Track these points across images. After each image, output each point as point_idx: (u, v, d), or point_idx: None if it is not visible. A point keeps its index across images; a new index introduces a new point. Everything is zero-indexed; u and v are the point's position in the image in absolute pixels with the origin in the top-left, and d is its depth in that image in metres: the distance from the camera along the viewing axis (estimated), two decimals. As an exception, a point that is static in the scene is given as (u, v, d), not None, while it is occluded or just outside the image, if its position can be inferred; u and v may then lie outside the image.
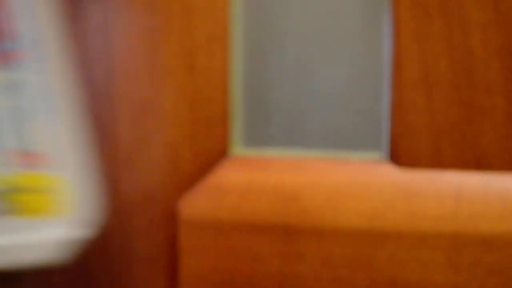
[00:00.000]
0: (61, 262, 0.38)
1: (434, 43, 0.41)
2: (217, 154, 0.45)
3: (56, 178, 0.35)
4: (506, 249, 0.39)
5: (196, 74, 0.45)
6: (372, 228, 0.41)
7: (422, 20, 0.40)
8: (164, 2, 0.44)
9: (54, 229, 0.35)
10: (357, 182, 0.42)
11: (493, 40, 0.40)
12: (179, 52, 0.45)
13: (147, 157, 0.44)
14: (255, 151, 0.46)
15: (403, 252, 0.40)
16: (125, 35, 0.45)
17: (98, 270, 0.46)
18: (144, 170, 0.44)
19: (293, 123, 0.47)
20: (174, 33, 0.44)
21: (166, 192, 0.44)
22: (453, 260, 0.40)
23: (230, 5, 0.44)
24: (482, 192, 0.40)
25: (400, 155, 0.41)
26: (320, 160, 0.43)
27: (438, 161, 0.41)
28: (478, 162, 0.41)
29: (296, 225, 0.42)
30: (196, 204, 0.44)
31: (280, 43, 0.47)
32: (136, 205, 0.45)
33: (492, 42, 0.40)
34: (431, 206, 0.40)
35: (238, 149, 0.46)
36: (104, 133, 0.45)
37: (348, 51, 0.46)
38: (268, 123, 0.47)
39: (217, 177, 0.44)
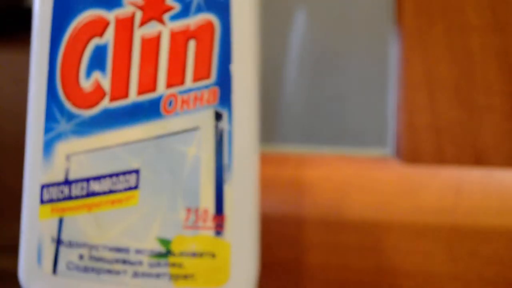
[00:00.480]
0: None
1: (436, 47, 0.42)
2: None
3: (228, 245, 0.31)
4: (502, 241, 0.41)
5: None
6: (378, 220, 0.43)
7: (424, 25, 0.42)
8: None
9: None
10: (364, 177, 0.44)
11: (491, 43, 0.42)
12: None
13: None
14: (269, 148, 0.47)
15: (406, 242, 0.42)
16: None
17: None
18: None
19: (306, 121, 0.49)
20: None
21: None
22: (453, 250, 0.41)
23: None
24: (481, 186, 0.42)
25: (404, 152, 0.43)
26: (330, 156, 0.45)
27: (440, 157, 0.43)
28: (477, 158, 0.42)
29: (307, 216, 0.44)
30: None
31: (293, 45, 0.49)
32: None
33: (490, 45, 0.42)
34: (432, 200, 0.42)
35: None
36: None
37: (356, 54, 0.48)
38: (282, 121, 0.49)
39: None
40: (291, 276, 0.46)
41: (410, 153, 0.43)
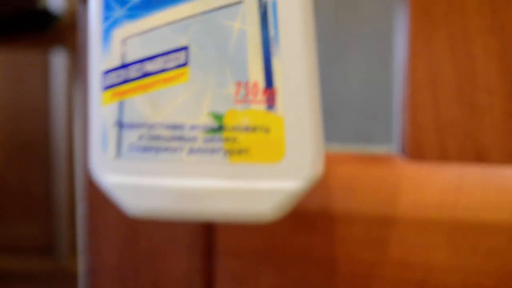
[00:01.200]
0: (279, 216, 0.35)
1: (439, 49, 0.44)
2: None
3: (281, 119, 0.31)
4: (502, 235, 0.42)
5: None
6: (383, 214, 0.44)
7: (428, 28, 0.44)
8: None
9: (275, 178, 0.32)
10: (371, 173, 0.45)
11: (492, 45, 0.43)
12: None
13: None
14: None
15: (410, 236, 0.43)
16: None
17: (143, 245, 0.49)
18: None
19: None
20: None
21: None
22: (454, 244, 0.43)
23: None
24: (481, 183, 0.43)
25: (409, 149, 0.44)
26: (339, 154, 0.47)
27: (443, 154, 0.44)
28: (478, 155, 0.44)
29: (315, 210, 0.45)
30: None
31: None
32: None
33: (491, 48, 0.43)
34: (434, 195, 0.43)
35: None
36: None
37: (364, 56, 0.50)
38: None
39: None
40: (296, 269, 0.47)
41: (414, 150, 0.44)
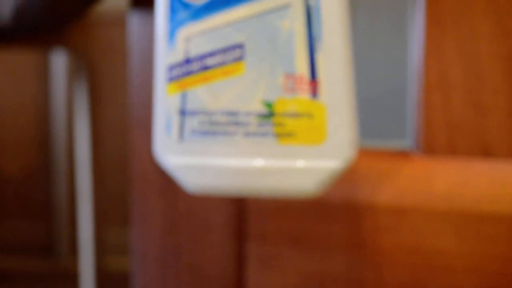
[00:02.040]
0: (319, 193, 0.38)
1: (449, 53, 0.47)
2: None
3: (323, 106, 0.35)
4: (504, 224, 0.45)
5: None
6: (398, 204, 0.47)
7: (439, 33, 0.46)
8: None
9: (317, 158, 0.36)
10: (387, 167, 0.48)
11: (498, 49, 0.46)
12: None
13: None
14: None
15: (420, 224, 0.46)
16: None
17: (183, 232, 0.51)
18: None
19: None
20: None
21: None
22: (461, 232, 0.45)
23: None
24: (487, 176, 0.46)
25: (422, 145, 0.47)
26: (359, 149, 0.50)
27: (452, 150, 0.47)
28: (485, 150, 0.46)
29: (333, 201, 0.47)
30: None
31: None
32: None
33: (497, 51, 0.46)
34: (444, 187, 0.46)
35: None
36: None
37: (380, 60, 0.53)
38: None
39: None
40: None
41: (427, 146, 0.47)
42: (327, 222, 0.48)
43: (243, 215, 0.50)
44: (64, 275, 1.54)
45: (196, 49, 0.36)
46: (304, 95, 0.35)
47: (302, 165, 0.36)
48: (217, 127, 0.36)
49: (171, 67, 0.37)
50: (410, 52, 0.49)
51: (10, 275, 1.60)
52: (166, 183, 0.50)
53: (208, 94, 0.36)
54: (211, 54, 0.36)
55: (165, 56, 0.37)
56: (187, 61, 0.36)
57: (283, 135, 0.36)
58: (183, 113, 0.37)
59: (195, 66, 0.36)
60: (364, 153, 0.48)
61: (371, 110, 0.53)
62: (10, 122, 1.62)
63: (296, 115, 0.35)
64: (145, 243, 0.51)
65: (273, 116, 0.36)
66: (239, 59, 0.36)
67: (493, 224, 0.45)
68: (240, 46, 0.36)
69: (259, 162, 0.36)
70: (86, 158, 0.92)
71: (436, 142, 0.47)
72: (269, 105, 0.36)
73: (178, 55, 0.37)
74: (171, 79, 0.37)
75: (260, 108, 0.36)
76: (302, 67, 0.35)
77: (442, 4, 0.45)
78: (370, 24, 0.53)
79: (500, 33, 0.45)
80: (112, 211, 1.42)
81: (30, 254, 1.61)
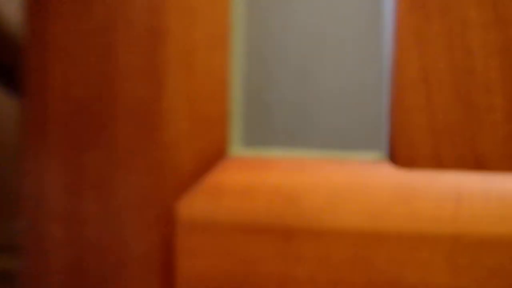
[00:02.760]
0: None
1: (433, 44, 0.41)
2: (216, 155, 0.44)
3: None
4: (506, 250, 0.39)
5: (196, 73, 0.44)
6: (372, 229, 0.40)
7: (421, 21, 0.41)
8: (165, 2, 0.43)
9: None
10: (357, 183, 0.42)
11: (492, 39, 0.41)
12: (178, 52, 0.44)
13: (144, 157, 0.43)
14: (255, 151, 0.45)
15: (402, 253, 0.40)
16: (125, 35, 0.44)
17: (92, 271, 0.44)
18: (141, 170, 0.43)
19: (294, 123, 0.46)
20: (174, 33, 0.44)
21: (163, 193, 0.42)
22: (453, 261, 0.39)
23: (231, 5, 0.45)
24: (482, 193, 0.40)
25: (399, 155, 0.41)
26: (320, 161, 0.43)
27: (438, 162, 0.41)
28: (478, 162, 0.41)
29: (295, 226, 0.41)
30: (194, 205, 0.42)
31: (281, 43, 0.47)
32: (132, 206, 0.43)
33: (492, 42, 0.41)
34: (430, 207, 0.40)
35: (237, 149, 0.45)
36: (102, 133, 0.43)
37: (348, 52, 0.45)
38: (268, 123, 0.46)
39: (215, 178, 0.43)
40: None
41: (405, 157, 0.41)
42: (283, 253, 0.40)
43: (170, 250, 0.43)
44: None
45: None
46: None
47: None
48: None
49: None
50: (385, 42, 0.43)
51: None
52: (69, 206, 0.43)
53: None
54: None
55: None
56: None
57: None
58: None
59: None
60: (325, 165, 0.43)
61: (337, 112, 0.44)
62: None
63: None
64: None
65: None
66: None
67: (493, 251, 0.39)
68: None
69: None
70: None
71: (416, 152, 0.41)
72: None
73: None
74: None
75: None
76: None
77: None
78: (336, 10, 0.45)
79: (494, 21, 0.40)
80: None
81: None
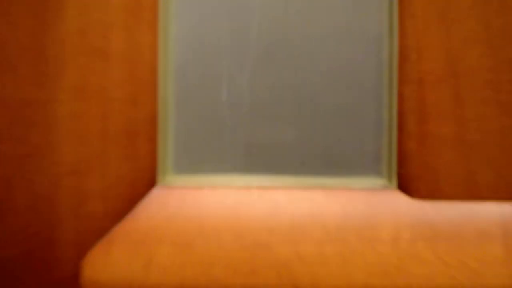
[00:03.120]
0: None
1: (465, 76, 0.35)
2: (143, 187, 0.38)
3: None
4: None
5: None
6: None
7: (422, 39, 0.36)
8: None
9: None
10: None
11: None
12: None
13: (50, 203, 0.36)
14: (190, 179, 0.40)
15: None
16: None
17: None
18: (49, 220, 0.36)
19: (251, 143, 0.38)
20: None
21: (70, 247, 0.36)
22: None
23: (157, 47, 0.39)
24: None
25: (414, 182, 0.33)
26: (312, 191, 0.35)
27: (471, 190, 0.32)
28: None
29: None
30: (101, 264, 0.36)
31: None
32: (26, 270, 0.37)
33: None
34: (471, 252, 0.31)
35: (169, 178, 0.40)
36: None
37: (348, 61, 0.36)
38: (201, 147, 0.40)
39: (133, 224, 0.37)
40: None
41: (424, 183, 0.33)
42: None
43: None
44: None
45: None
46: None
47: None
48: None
49: None
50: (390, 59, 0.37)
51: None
52: None
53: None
54: None
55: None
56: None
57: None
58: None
59: None
60: (322, 196, 0.35)
61: (327, 132, 0.37)
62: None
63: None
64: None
65: None
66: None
67: None
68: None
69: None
70: None
71: (440, 178, 0.33)
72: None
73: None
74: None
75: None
76: None
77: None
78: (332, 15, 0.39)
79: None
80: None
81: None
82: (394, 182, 0.34)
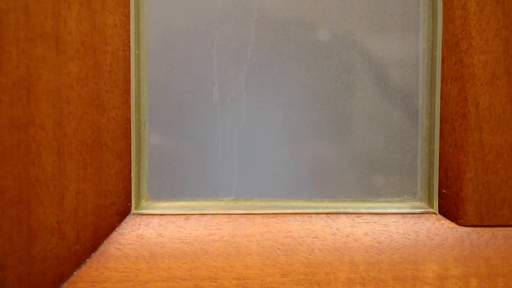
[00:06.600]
0: None
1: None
2: (111, 216, 0.35)
3: None
4: None
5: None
6: None
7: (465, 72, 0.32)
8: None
9: None
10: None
11: None
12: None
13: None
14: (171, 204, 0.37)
15: None
16: None
17: None
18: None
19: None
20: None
21: None
22: None
23: (128, 31, 0.36)
24: None
25: (460, 204, 0.31)
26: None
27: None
28: None
29: None
30: None
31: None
32: None
33: None
34: None
35: (145, 204, 0.37)
36: None
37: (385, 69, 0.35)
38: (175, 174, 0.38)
39: (100, 268, 0.33)
40: None
41: (465, 209, 0.31)
42: None
43: None
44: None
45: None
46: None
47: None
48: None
49: None
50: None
51: None
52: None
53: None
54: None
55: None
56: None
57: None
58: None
59: None
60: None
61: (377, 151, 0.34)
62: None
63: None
64: None
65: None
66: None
67: None
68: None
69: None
70: None
71: (483, 203, 0.31)
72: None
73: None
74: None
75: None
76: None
77: None
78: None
79: None
80: None
81: None
82: (435, 205, 0.32)
